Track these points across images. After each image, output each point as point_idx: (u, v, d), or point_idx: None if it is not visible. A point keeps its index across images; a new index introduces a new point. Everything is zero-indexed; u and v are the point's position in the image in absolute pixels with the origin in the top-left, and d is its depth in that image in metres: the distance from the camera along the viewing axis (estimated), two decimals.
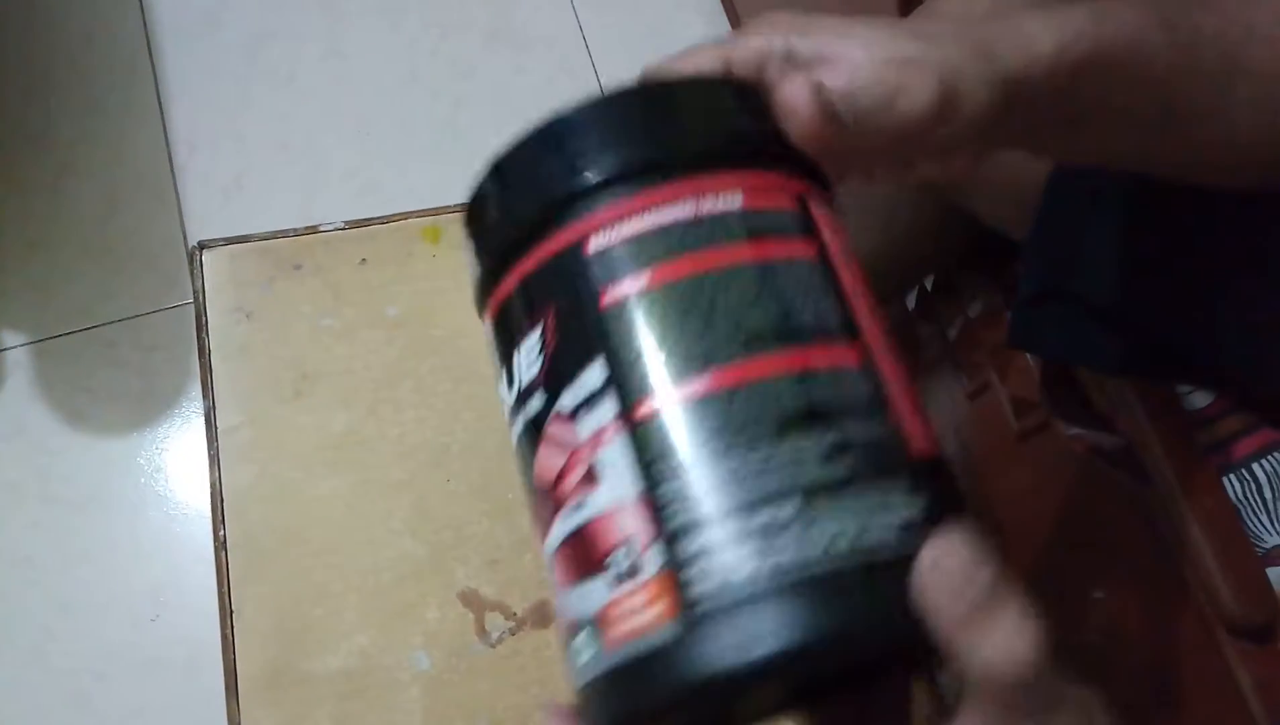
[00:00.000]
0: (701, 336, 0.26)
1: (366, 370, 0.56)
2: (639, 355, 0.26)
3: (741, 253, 0.27)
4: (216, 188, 1.17)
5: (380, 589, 0.52)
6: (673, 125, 0.30)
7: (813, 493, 0.24)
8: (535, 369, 0.28)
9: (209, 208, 1.15)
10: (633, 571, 0.24)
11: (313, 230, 0.58)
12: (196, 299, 0.56)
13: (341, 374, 0.56)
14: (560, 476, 0.26)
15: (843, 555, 0.24)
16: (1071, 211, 0.62)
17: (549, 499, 0.27)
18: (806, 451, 0.25)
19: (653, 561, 0.24)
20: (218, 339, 0.56)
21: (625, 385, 0.26)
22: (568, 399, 0.26)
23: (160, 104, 1.21)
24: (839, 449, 0.25)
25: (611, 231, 0.27)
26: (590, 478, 0.26)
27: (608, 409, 0.26)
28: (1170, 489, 0.66)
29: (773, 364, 0.26)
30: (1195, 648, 0.67)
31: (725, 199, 0.28)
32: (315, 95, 1.23)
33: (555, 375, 0.27)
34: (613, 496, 0.25)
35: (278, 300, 0.57)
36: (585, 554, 0.26)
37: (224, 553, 0.52)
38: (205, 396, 0.55)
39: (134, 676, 0.95)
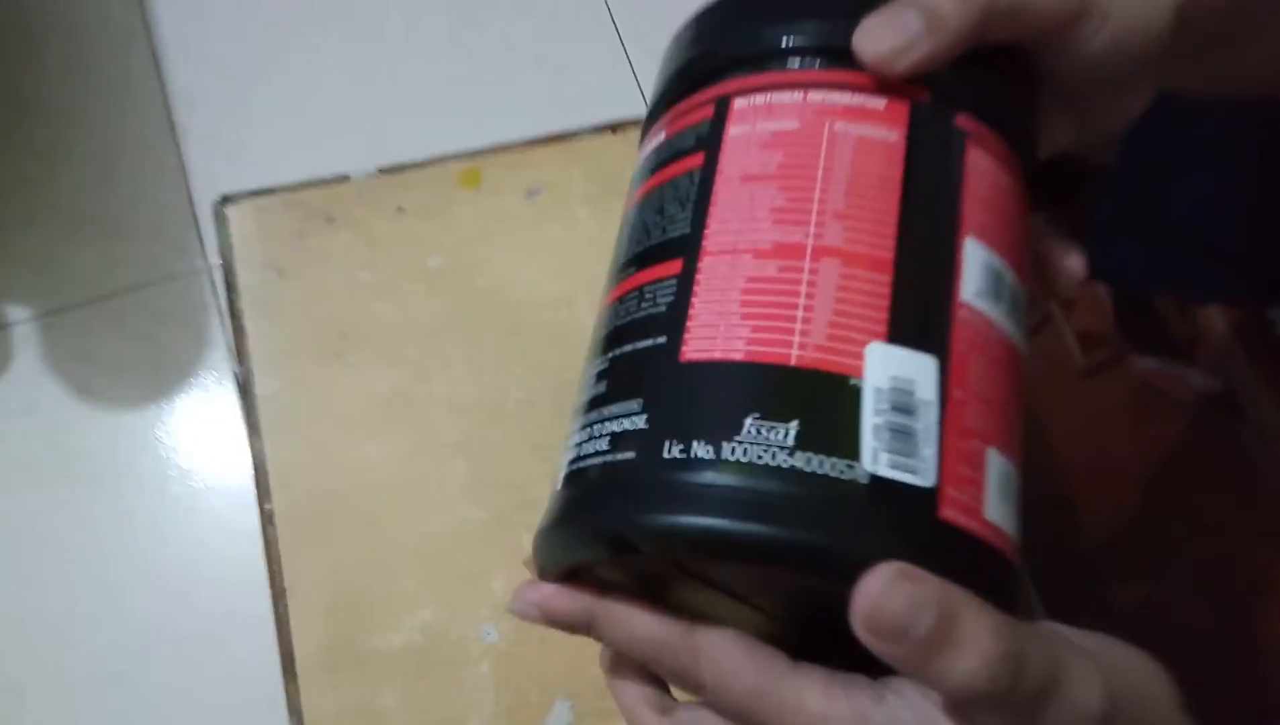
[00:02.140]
0: (614, 258, 0.32)
1: (409, 326, 0.52)
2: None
3: (659, 176, 0.30)
4: (221, 147, 1.12)
5: (440, 558, 0.49)
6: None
7: (589, 409, 0.28)
8: None
9: (215, 168, 1.11)
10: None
11: (344, 179, 0.54)
12: (225, 257, 0.53)
13: (383, 331, 0.52)
14: None
15: (589, 469, 0.27)
16: (1163, 131, 0.58)
17: None
18: (594, 368, 0.29)
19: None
20: (249, 299, 0.52)
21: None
22: None
23: (156, 61, 1.16)
24: (611, 365, 0.28)
25: (643, 144, 0.33)
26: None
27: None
28: (1269, 423, 0.63)
29: (620, 288, 0.30)
30: None
31: (657, 129, 0.32)
32: (319, 41, 1.18)
33: None
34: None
35: (310, 255, 0.53)
36: None
37: (271, 527, 0.49)
38: (241, 361, 0.51)
39: (171, 655, 0.93)
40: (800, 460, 0.24)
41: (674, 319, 0.27)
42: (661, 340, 0.27)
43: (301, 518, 0.49)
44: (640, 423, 0.26)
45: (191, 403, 0.99)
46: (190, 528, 0.95)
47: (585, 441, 0.28)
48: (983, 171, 0.29)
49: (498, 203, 0.55)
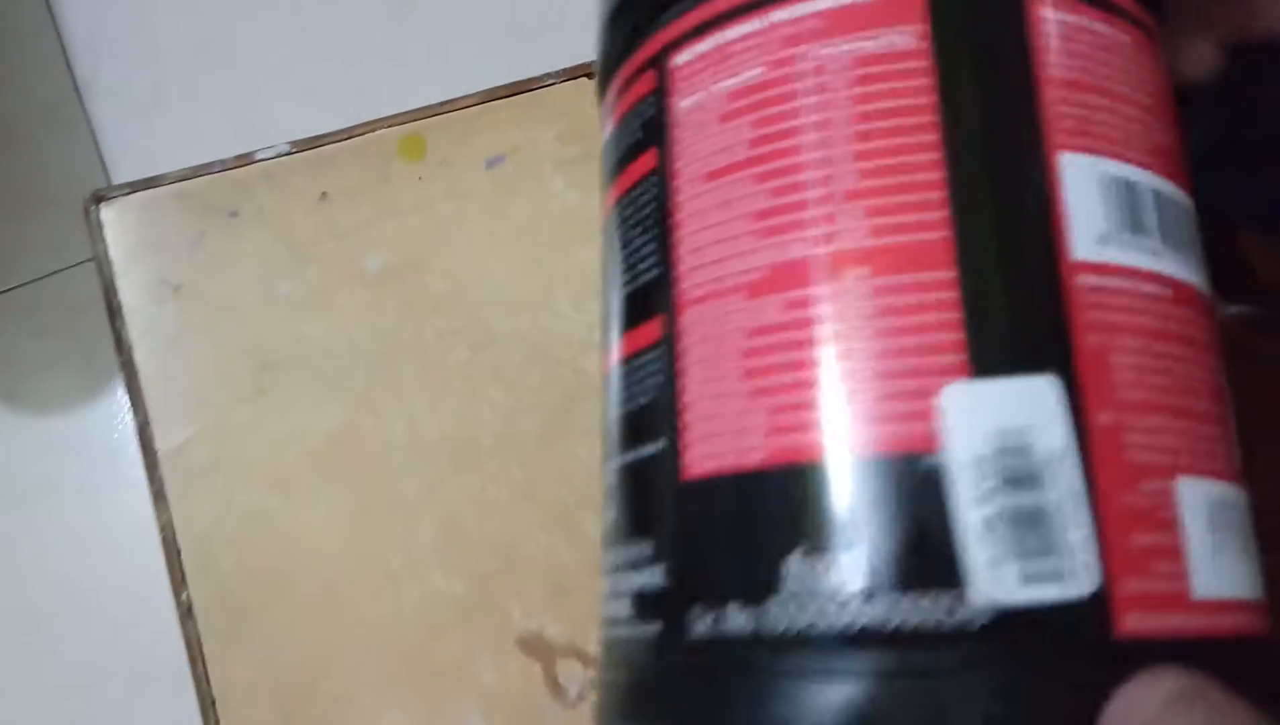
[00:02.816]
0: (607, 283, 0.23)
1: (350, 348, 0.41)
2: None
3: (617, 187, 0.22)
4: (132, 105, 0.98)
5: (411, 645, 0.39)
6: None
7: (608, 544, 0.22)
8: None
9: (127, 129, 0.97)
10: None
11: (248, 160, 0.42)
12: (102, 273, 0.41)
13: (317, 357, 0.41)
14: None
15: (617, 647, 0.21)
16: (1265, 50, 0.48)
17: None
18: (606, 477, 0.22)
19: None
20: (140, 326, 0.41)
21: None
22: None
23: (50, 10, 1.01)
24: (618, 479, 0.21)
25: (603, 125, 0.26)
26: None
27: None
28: None
29: (616, 350, 0.22)
30: None
31: (606, 109, 0.24)
32: None
33: None
34: None
35: (213, 264, 0.41)
36: None
37: (191, 622, 0.38)
38: (135, 409, 0.40)
39: (124, 688, 0.83)
40: (878, 611, 0.15)
41: (666, 413, 0.19)
42: (660, 446, 0.19)
43: (229, 605, 0.39)
44: (658, 578, 0.19)
45: (125, 397, 0.87)
46: (136, 542, 0.84)
47: (611, 596, 0.21)
48: (1067, 34, 0.19)
49: (450, 177, 0.43)
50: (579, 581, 0.39)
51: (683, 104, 0.20)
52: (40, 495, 0.87)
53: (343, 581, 0.39)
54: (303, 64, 1.01)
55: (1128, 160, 0.18)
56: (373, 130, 0.43)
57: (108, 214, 0.41)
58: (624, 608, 0.20)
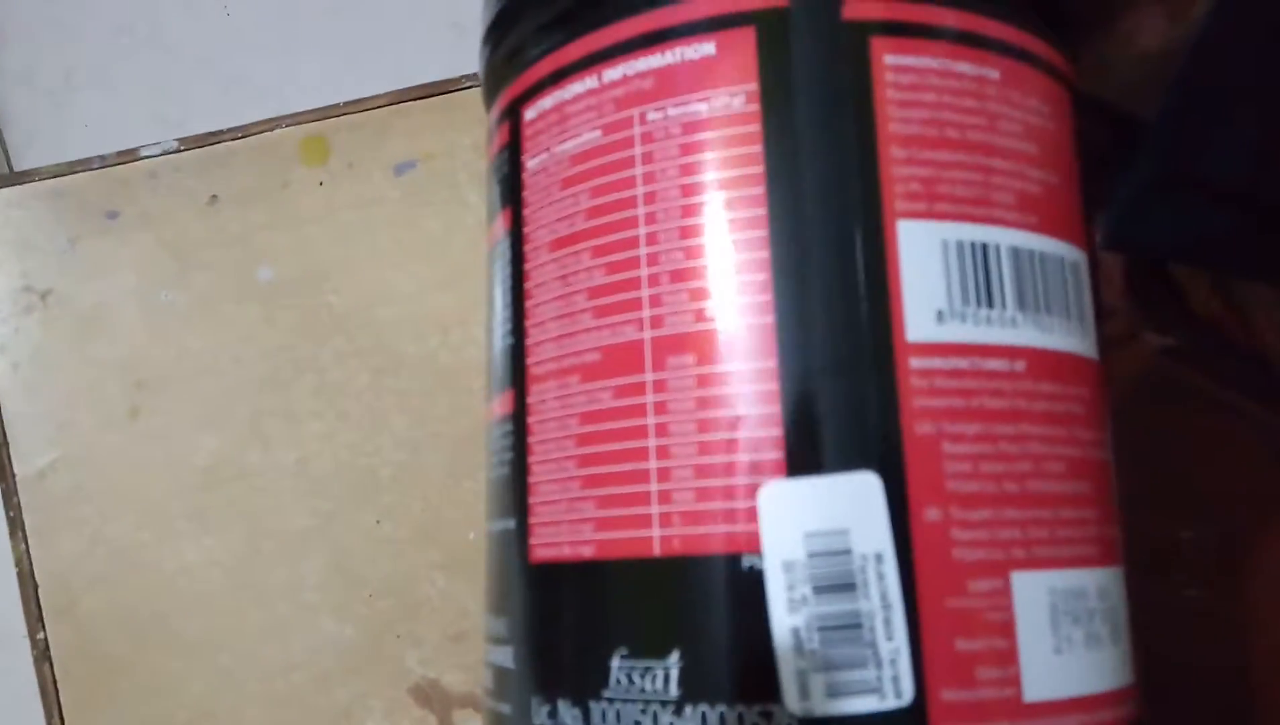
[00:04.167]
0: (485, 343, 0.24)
1: (237, 368, 0.37)
2: None
3: (489, 239, 0.23)
4: (41, 89, 0.93)
5: (294, 695, 0.35)
6: None
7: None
8: None
9: (35, 117, 0.92)
10: None
11: (130, 156, 0.38)
12: None
13: (199, 376, 0.37)
14: None
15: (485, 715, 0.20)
16: (1212, 72, 0.47)
17: None
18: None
19: None
20: (1, 336, 0.37)
21: None
22: None
23: None
24: (487, 546, 0.21)
25: None
26: None
27: None
28: None
29: (490, 409, 0.21)
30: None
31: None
32: None
33: None
34: None
35: (87, 269, 0.37)
36: None
37: (49, 665, 0.35)
38: None
39: None
40: (691, 720, 0.15)
41: (517, 491, 0.19)
42: (511, 524, 0.19)
43: (93, 651, 0.35)
44: (509, 659, 0.19)
45: None
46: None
47: (485, 663, 0.21)
48: (916, 83, 0.17)
49: (354, 184, 0.40)
50: (480, 626, 0.36)
51: (530, 163, 0.19)
52: None
53: (222, 626, 0.36)
54: (229, 54, 0.96)
55: (983, 220, 0.17)
56: (271, 129, 0.39)
57: None
58: (488, 679, 0.20)
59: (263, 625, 0.36)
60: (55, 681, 0.35)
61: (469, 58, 0.46)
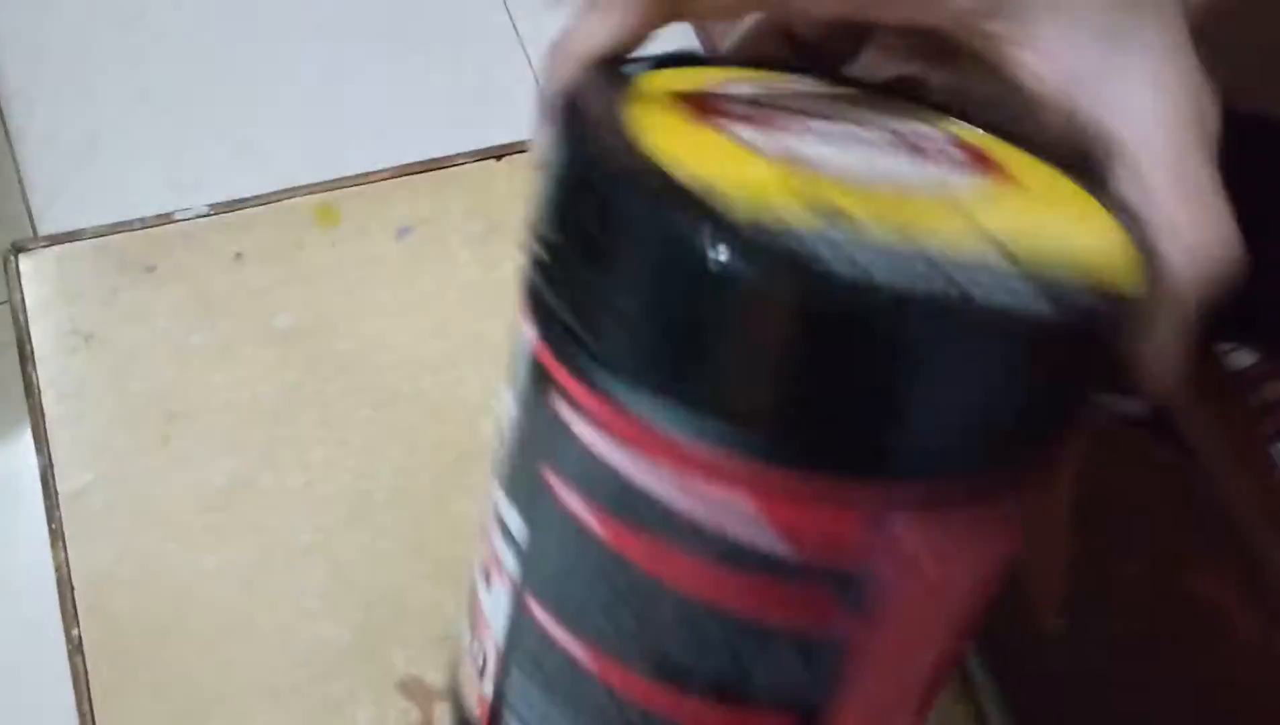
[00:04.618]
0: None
1: (254, 402, 0.43)
2: None
3: None
4: (64, 153, 0.99)
5: (295, 689, 0.40)
6: None
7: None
8: None
9: (57, 178, 0.98)
10: None
11: (167, 219, 0.44)
12: (16, 321, 0.43)
13: (221, 409, 0.43)
14: None
15: None
16: None
17: None
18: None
19: None
20: (50, 372, 0.42)
21: None
22: None
23: None
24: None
25: None
26: None
27: None
28: (1214, 460, 0.58)
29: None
30: (1243, 638, 0.60)
31: None
32: (173, 34, 1.06)
33: None
34: None
35: (126, 316, 0.43)
36: None
37: (81, 658, 0.40)
38: (39, 452, 0.41)
39: None
40: None
41: None
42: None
43: (120, 645, 0.40)
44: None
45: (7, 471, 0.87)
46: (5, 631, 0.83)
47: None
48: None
49: (360, 245, 0.46)
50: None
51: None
52: None
53: (233, 627, 0.41)
54: (238, 124, 1.03)
55: None
56: (290, 197, 0.46)
57: (26, 264, 0.43)
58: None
59: (269, 627, 0.41)
60: (86, 673, 0.39)
61: (461, 138, 0.52)
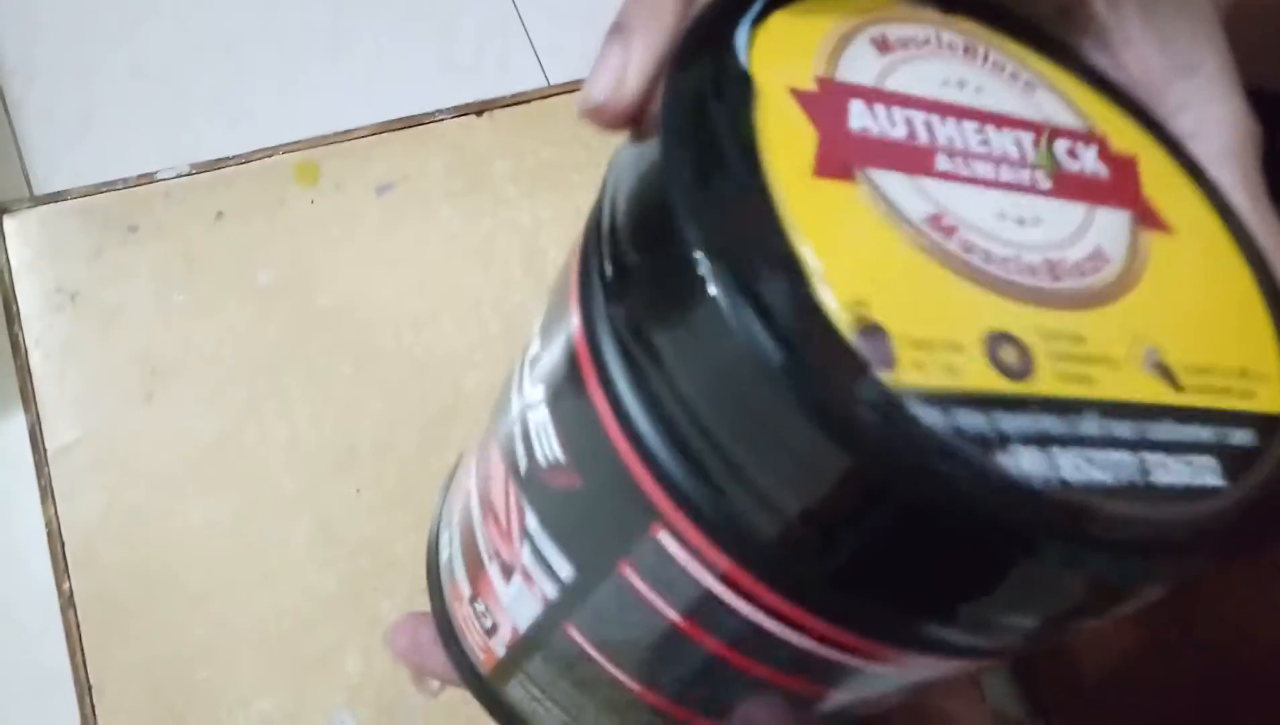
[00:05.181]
0: None
1: (237, 357, 0.43)
2: None
3: None
4: (62, 127, 1.00)
5: (283, 637, 0.41)
6: None
7: None
8: None
9: (56, 151, 0.99)
10: None
11: (148, 179, 0.45)
12: (2, 281, 0.43)
13: (205, 364, 0.43)
14: None
15: None
16: None
17: None
18: None
19: None
20: (35, 331, 0.43)
21: None
22: None
23: None
24: None
25: None
26: None
27: None
28: None
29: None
30: (1270, 606, 0.60)
31: None
32: (169, 9, 1.06)
33: None
34: None
35: (110, 274, 0.44)
36: None
37: (73, 611, 0.40)
38: (27, 409, 0.42)
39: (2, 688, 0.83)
40: None
41: None
42: None
43: (110, 598, 0.41)
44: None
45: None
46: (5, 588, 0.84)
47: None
48: None
49: (341, 202, 0.46)
50: None
51: None
52: None
53: (220, 578, 0.41)
54: (234, 93, 1.03)
55: None
56: (270, 155, 0.46)
57: (10, 225, 0.43)
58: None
59: (256, 578, 0.41)
60: (78, 625, 0.40)
61: (442, 93, 0.52)
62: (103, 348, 0.43)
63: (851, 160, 0.17)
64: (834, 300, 0.15)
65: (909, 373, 0.15)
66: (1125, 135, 0.22)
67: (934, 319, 0.16)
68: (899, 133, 0.18)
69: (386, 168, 0.46)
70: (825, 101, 0.18)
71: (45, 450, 0.41)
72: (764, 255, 0.15)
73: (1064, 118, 0.21)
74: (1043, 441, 0.15)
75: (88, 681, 0.40)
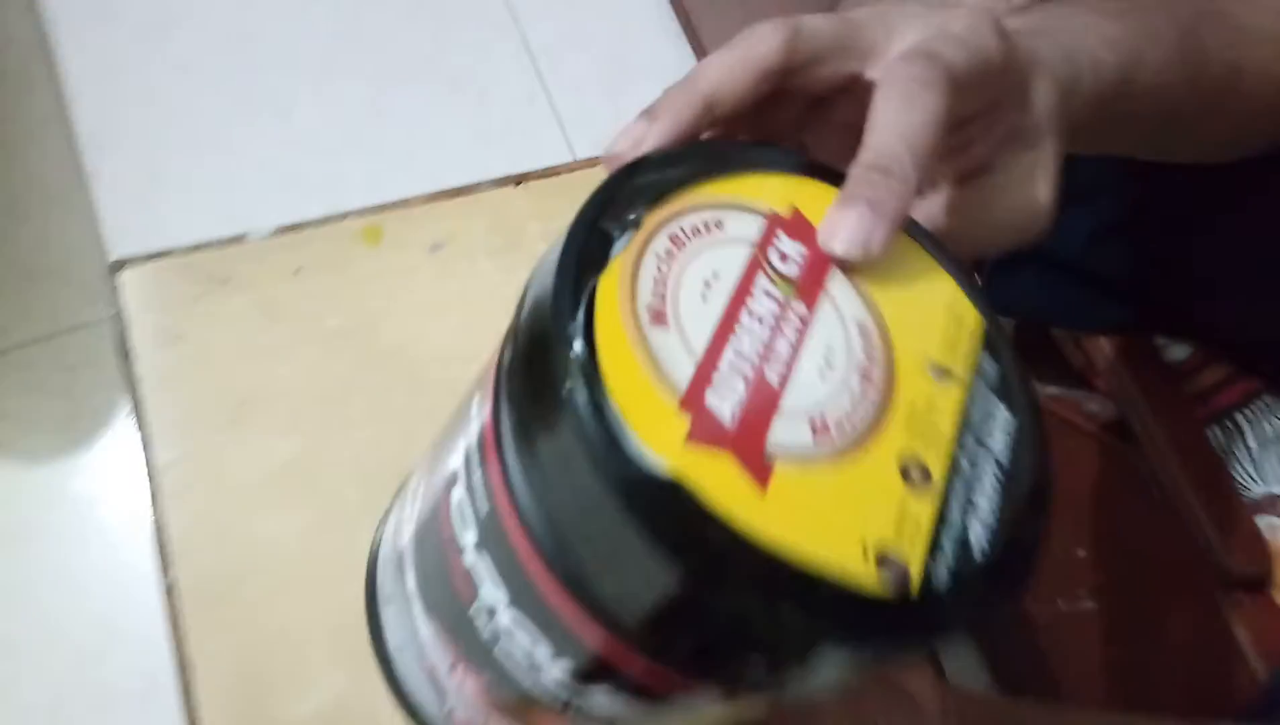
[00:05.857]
0: None
1: (310, 390, 0.51)
2: None
3: None
4: (131, 190, 1.10)
5: (347, 627, 0.48)
6: None
7: None
8: None
9: (125, 212, 1.09)
10: None
11: (239, 239, 0.53)
12: (119, 322, 0.51)
13: (282, 396, 0.51)
14: None
15: None
16: None
17: None
18: None
19: None
20: (145, 366, 0.51)
21: None
22: None
23: (62, 105, 1.13)
24: None
25: None
26: None
27: None
28: (1155, 444, 0.65)
29: None
30: (1188, 601, 0.66)
31: None
32: (226, 83, 1.17)
33: None
34: None
35: (206, 319, 0.52)
36: None
37: (173, 598, 0.48)
38: (140, 429, 0.50)
39: (87, 715, 0.90)
40: None
41: None
42: None
43: (204, 589, 0.48)
44: None
45: (106, 453, 0.96)
46: (108, 583, 0.92)
47: None
48: None
49: (400, 258, 0.54)
50: None
51: None
52: (13, 539, 0.95)
53: (296, 577, 0.49)
54: (286, 159, 1.13)
55: None
56: (341, 220, 0.54)
57: (126, 276, 0.52)
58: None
59: (324, 577, 0.49)
60: (178, 613, 0.48)
61: (477, 160, 0.60)
62: (199, 380, 0.51)
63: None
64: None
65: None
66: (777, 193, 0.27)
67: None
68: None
69: (438, 229, 0.55)
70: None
71: (153, 464, 0.49)
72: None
73: (749, 228, 0.26)
74: None
75: (186, 659, 0.47)
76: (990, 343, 0.26)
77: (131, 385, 0.50)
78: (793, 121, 0.32)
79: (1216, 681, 0.66)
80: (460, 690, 0.29)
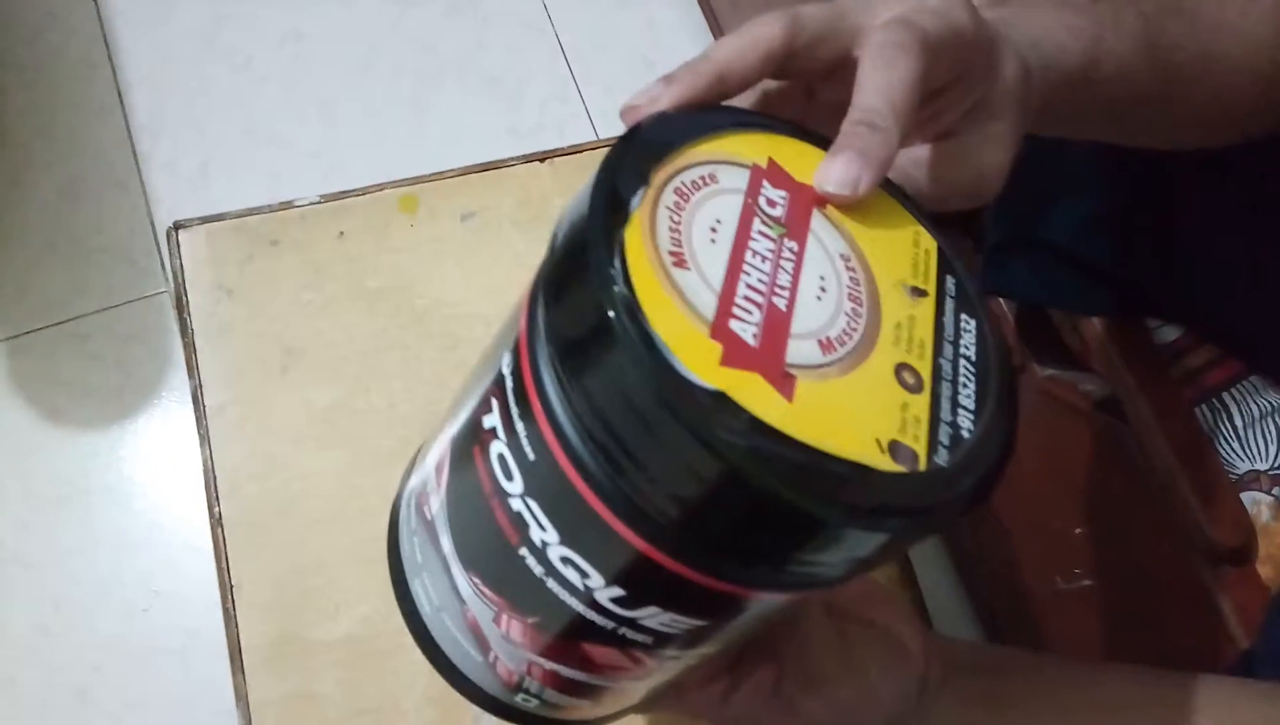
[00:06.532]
0: None
1: (350, 343, 0.56)
2: None
3: None
4: (182, 175, 1.16)
5: (378, 558, 0.52)
6: None
7: None
8: None
9: (176, 196, 1.14)
10: None
11: (288, 205, 0.58)
12: (176, 279, 0.56)
13: (326, 348, 0.56)
14: None
15: None
16: (1037, 161, 0.64)
17: None
18: None
19: None
20: (200, 319, 0.56)
21: None
22: None
23: (120, 93, 1.19)
24: None
25: None
26: None
27: None
28: (1145, 423, 0.67)
29: None
30: (1176, 575, 0.69)
31: None
32: (276, 78, 1.22)
33: None
34: None
35: (257, 277, 0.57)
36: None
37: (220, 529, 0.53)
38: (191, 376, 0.55)
39: (131, 667, 0.96)
40: None
41: None
42: None
43: (249, 521, 0.53)
44: None
45: (154, 422, 1.02)
46: (153, 543, 0.98)
47: None
48: None
49: (434, 226, 0.59)
50: None
51: None
52: (68, 502, 1.01)
53: (332, 511, 0.53)
54: (329, 151, 1.18)
55: None
56: (381, 190, 0.59)
57: (184, 236, 0.57)
58: None
59: (359, 511, 0.53)
60: (224, 541, 0.52)
61: (510, 150, 0.65)
62: (249, 332, 0.56)
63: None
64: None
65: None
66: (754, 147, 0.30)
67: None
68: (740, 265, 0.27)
69: (470, 201, 0.59)
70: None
71: (204, 408, 0.54)
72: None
73: (734, 180, 0.29)
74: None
75: (230, 582, 0.52)
76: (948, 263, 0.30)
77: (187, 336, 0.55)
78: (793, 113, 0.36)
79: (1201, 656, 0.68)
80: (506, 638, 0.32)
